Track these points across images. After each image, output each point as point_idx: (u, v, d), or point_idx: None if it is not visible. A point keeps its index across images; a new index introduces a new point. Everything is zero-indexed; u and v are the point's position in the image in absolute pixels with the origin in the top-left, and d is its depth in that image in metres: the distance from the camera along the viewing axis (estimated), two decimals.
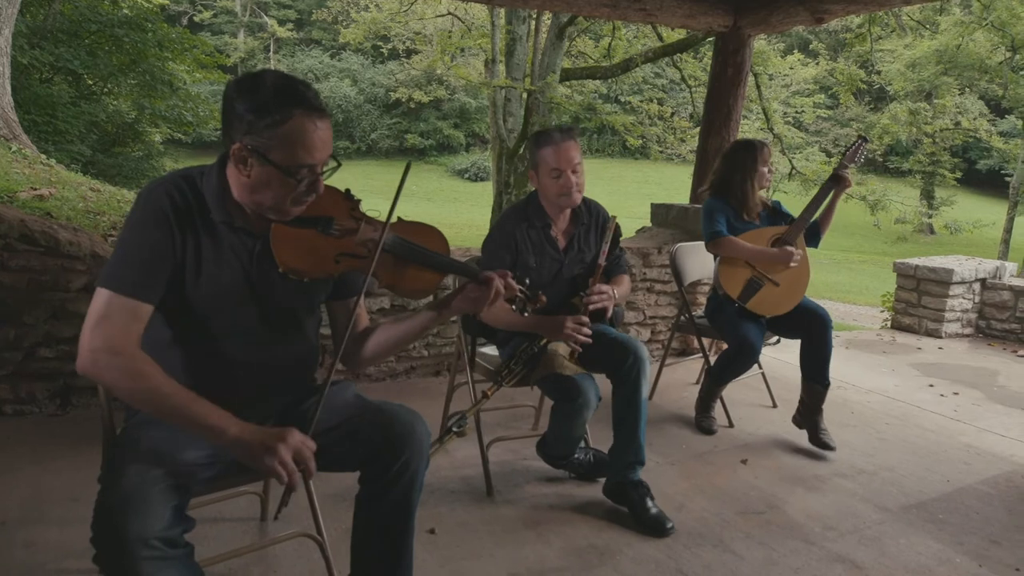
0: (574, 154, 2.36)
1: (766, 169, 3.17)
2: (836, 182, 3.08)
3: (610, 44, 13.82)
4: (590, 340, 2.31)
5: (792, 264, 3.08)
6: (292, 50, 31.52)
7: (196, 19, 29.48)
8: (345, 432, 1.62)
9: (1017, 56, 19.79)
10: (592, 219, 2.56)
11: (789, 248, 3.08)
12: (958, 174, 23.27)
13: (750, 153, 3.17)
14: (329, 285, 1.69)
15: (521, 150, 13.08)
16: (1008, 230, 21.25)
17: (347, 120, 29.01)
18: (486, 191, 19.75)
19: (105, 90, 11.18)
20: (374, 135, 29.82)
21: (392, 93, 24.87)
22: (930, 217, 23.29)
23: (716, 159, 4.50)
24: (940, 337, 5.53)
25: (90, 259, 2.94)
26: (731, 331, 3.13)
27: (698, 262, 3.59)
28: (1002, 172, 24.92)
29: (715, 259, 3.25)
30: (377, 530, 1.64)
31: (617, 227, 2.46)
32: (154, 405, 1.37)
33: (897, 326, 5.85)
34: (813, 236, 3.24)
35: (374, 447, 1.60)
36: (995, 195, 27.52)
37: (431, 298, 2.30)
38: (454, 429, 2.02)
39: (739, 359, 3.12)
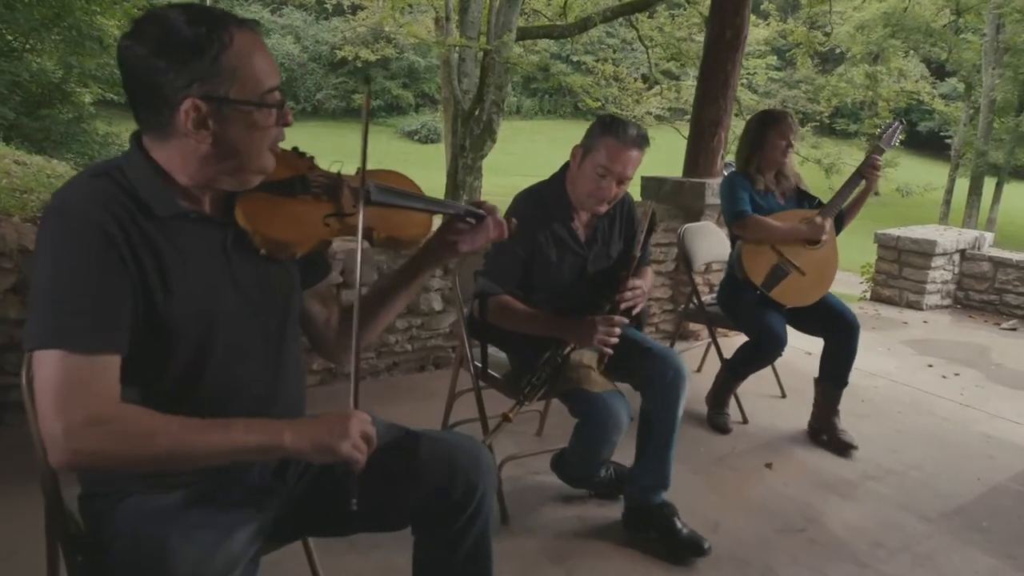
0: (631, 167, 2.05)
1: (784, 142, 2.90)
2: (863, 176, 2.86)
3: (565, 1, 13.33)
4: (617, 341, 2.02)
5: (823, 237, 2.85)
6: (230, 4, 29.83)
7: None
8: (389, 474, 1.29)
9: (961, 19, 20.04)
10: (617, 209, 2.24)
11: (817, 219, 2.84)
12: (902, 136, 23.65)
13: (771, 127, 2.89)
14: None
15: (477, 114, 12.54)
16: (949, 190, 21.78)
17: (290, 79, 27.68)
18: (438, 153, 19.14)
19: (27, 47, 10.20)
20: (319, 95, 28.65)
21: (337, 51, 23.76)
22: None
23: (712, 128, 4.26)
24: (921, 309, 5.44)
25: (17, 254, 2.49)
26: (753, 321, 2.87)
27: (707, 244, 3.31)
28: (942, 134, 25.44)
29: (733, 241, 2.98)
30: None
31: (653, 214, 2.13)
32: (180, 457, 1.04)
33: (877, 298, 5.75)
34: (836, 225, 2.98)
35: (438, 486, 1.31)
36: (936, 157, 28.19)
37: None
38: None
39: (763, 352, 2.88)
